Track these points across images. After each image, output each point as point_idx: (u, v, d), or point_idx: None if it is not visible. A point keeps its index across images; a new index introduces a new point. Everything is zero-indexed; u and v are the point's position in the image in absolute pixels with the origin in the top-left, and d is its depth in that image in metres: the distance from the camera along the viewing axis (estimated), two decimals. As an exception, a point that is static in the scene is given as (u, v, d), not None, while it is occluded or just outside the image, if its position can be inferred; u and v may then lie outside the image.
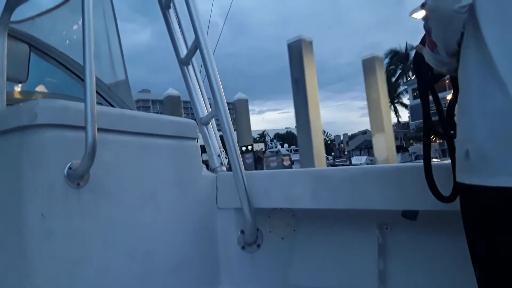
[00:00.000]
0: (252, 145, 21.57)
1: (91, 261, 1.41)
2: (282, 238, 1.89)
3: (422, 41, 1.16)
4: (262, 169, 18.52)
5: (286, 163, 21.37)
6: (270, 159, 22.44)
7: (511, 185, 0.83)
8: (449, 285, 1.48)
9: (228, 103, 1.84)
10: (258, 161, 20.23)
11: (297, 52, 14.90)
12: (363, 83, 16.87)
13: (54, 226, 1.34)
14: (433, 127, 1.26)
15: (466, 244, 0.99)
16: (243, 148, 20.55)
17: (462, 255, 1.04)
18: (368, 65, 16.93)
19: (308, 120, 14.12)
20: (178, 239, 1.76)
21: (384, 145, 16.24)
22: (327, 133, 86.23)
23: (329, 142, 75.80)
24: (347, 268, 1.73)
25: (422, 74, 1.24)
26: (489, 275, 0.93)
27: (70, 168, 1.37)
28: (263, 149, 27.99)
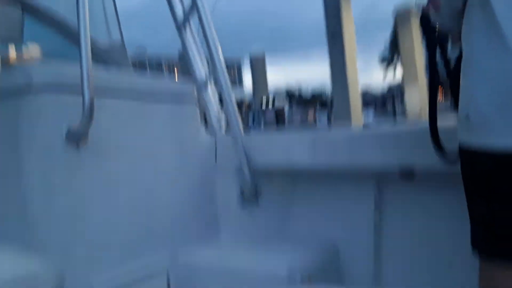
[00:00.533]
0: (274, 100, 20.28)
1: (91, 216, 1.45)
2: (281, 196, 1.93)
3: (429, 1, 1.14)
4: (284, 125, 17.47)
5: (311, 118, 20.36)
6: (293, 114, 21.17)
7: (510, 149, 0.81)
8: (444, 236, 1.50)
9: (228, 63, 1.82)
10: (279, 115, 18.98)
11: (333, 2, 13.87)
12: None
13: (55, 184, 1.37)
14: (440, 83, 1.25)
15: (462, 198, 0.98)
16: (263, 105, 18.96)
17: (458, 207, 1.04)
18: (401, 16, 16.21)
19: (345, 72, 12.91)
20: (178, 197, 1.80)
21: (417, 97, 14.95)
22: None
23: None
24: (344, 222, 1.77)
25: (429, 33, 1.21)
26: (487, 235, 0.91)
27: (68, 130, 1.38)
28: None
